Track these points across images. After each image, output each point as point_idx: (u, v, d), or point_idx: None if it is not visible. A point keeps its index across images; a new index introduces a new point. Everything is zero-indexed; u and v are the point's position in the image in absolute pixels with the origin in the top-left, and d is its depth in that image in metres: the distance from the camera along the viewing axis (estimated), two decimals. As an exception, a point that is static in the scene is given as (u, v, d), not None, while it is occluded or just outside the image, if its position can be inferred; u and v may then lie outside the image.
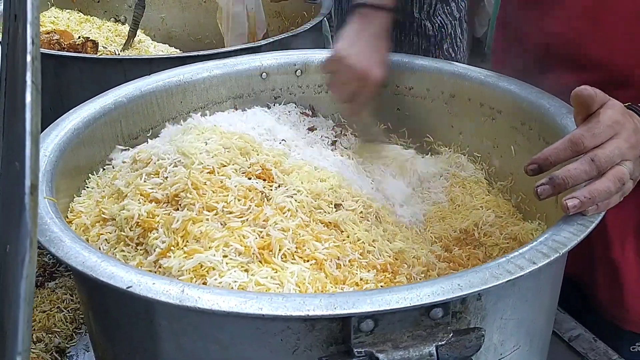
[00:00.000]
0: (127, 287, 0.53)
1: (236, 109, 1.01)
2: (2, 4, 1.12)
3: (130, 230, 0.67)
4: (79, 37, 1.30)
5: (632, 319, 0.97)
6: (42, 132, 0.79)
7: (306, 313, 0.51)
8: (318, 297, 0.52)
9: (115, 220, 0.70)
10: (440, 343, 0.53)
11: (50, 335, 0.93)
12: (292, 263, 0.65)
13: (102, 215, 0.71)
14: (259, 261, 0.65)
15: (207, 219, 0.67)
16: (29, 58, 0.36)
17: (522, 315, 0.62)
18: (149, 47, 1.49)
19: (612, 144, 0.63)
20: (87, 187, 0.80)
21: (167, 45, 1.58)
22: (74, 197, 0.77)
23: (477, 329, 0.55)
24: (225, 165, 0.74)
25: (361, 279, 0.67)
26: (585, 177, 0.62)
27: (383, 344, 0.53)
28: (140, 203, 0.69)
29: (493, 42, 1.18)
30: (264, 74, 1.03)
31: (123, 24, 1.59)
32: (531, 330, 0.64)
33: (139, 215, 0.67)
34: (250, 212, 0.68)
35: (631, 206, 0.92)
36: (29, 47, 0.36)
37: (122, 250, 0.67)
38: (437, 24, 1.56)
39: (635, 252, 0.95)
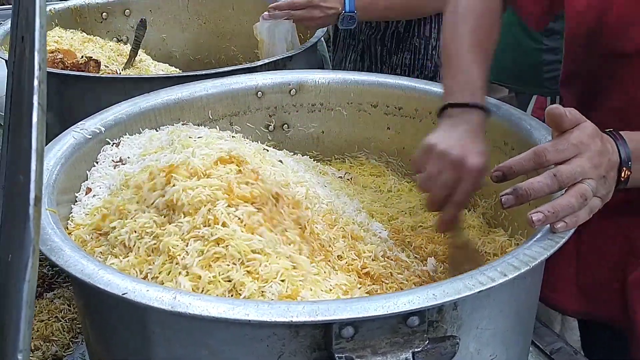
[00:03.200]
0: (123, 294, 0.57)
1: (232, 125, 1.05)
2: (9, 23, 1.16)
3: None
4: (82, 57, 1.34)
5: None
6: (45, 147, 0.83)
7: (290, 319, 0.54)
8: (301, 304, 0.55)
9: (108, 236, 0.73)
10: (416, 350, 0.56)
11: (47, 344, 0.95)
12: None
13: (97, 232, 0.75)
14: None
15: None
16: (36, 82, 0.40)
17: (498, 326, 0.65)
18: (149, 66, 1.53)
19: (575, 161, 0.66)
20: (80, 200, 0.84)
21: (168, 64, 1.63)
22: (72, 208, 0.81)
23: (452, 337, 0.58)
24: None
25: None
26: (547, 190, 0.66)
27: (363, 349, 0.56)
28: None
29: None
30: (260, 92, 1.07)
31: (125, 43, 1.63)
32: (507, 340, 0.67)
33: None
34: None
35: None
36: (37, 72, 0.40)
37: (112, 264, 0.70)
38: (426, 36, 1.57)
39: None
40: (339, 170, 1.10)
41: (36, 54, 0.40)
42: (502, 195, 0.67)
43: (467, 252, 0.83)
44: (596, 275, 0.96)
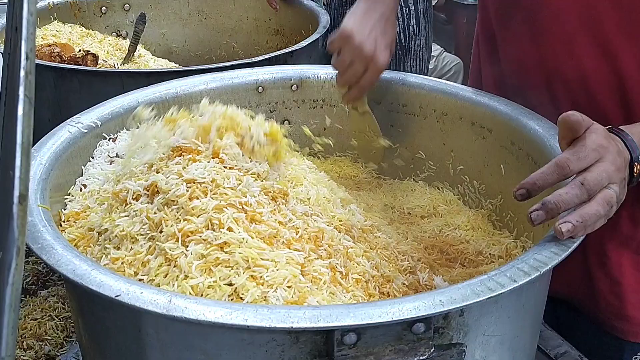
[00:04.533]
0: (116, 296, 0.54)
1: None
2: (5, 16, 1.14)
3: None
4: (80, 50, 1.32)
5: (633, 330, 0.97)
6: (39, 141, 0.81)
7: (290, 325, 0.52)
8: (302, 309, 0.53)
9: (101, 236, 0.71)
10: (421, 357, 0.54)
11: (40, 343, 0.93)
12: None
13: (91, 230, 0.72)
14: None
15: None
16: (22, 73, 0.38)
17: (505, 332, 0.62)
18: (148, 61, 1.51)
19: (600, 167, 0.64)
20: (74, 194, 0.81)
21: (167, 60, 1.60)
22: (67, 204, 0.78)
23: (458, 345, 0.56)
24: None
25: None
26: (576, 201, 0.63)
27: (365, 357, 0.54)
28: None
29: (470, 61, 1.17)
30: (260, 87, 1.05)
31: (124, 38, 1.61)
32: (514, 346, 0.65)
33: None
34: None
35: (626, 220, 0.93)
36: (23, 62, 0.38)
37: (106, 264, 0.67)
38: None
39: (632, 263, 0.96)
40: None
41: (23, 42, 0.38)
42: (531, 212, 0.64)
43: (369, 119, 1.02)
44: None
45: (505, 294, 0.56)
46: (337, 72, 0.95)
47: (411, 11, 1.79)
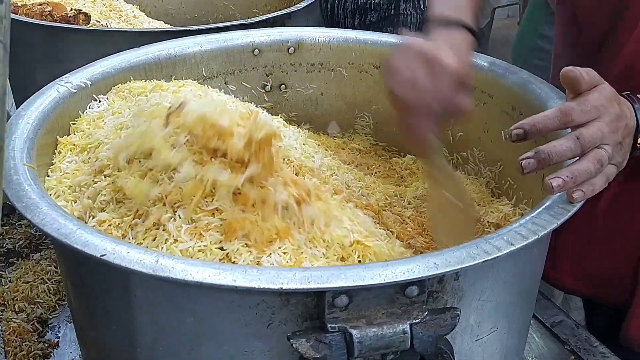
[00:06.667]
0: (101, 255, 0.53)
1: (227, 85, 1.00)
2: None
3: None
4: (72, 10, 1.29)
5: None
6: (27, 99, 0.79)
7: (280, 286, 0.50)
8: (293, 270, 0.52)
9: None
10: (414, 321, 0.53)
11: (32, 306, 0.92)
12: None
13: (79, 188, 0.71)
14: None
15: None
16: (-7, 14, 0.35)
17: (500, 298, 0.61)
18: (143, 22, 1.48)
19: (596, 125, 0.62)
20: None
21: (163, 22, 1.56)
22: (52, 165, 0.77)
23: (452, 309, 0.55)
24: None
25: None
26: (569, 154, 0.61)
27: (357, 320, 0.53)
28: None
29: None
30: (256, 50, 1.02)
31: (118, -1, 1.57)
32: (509, 313, 0.64)
33: None
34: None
35: None
36: (-6, 2, 0.35)
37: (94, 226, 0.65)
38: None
39: None
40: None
41: (-6, -18, 0.35)
42: (522, 159, 0.60)
43: (448, 181, 0.75)
44: (608, 258, 0.91)
45: (502, 258, 0.54)
46: (399, 104, 0.71)
47: None
